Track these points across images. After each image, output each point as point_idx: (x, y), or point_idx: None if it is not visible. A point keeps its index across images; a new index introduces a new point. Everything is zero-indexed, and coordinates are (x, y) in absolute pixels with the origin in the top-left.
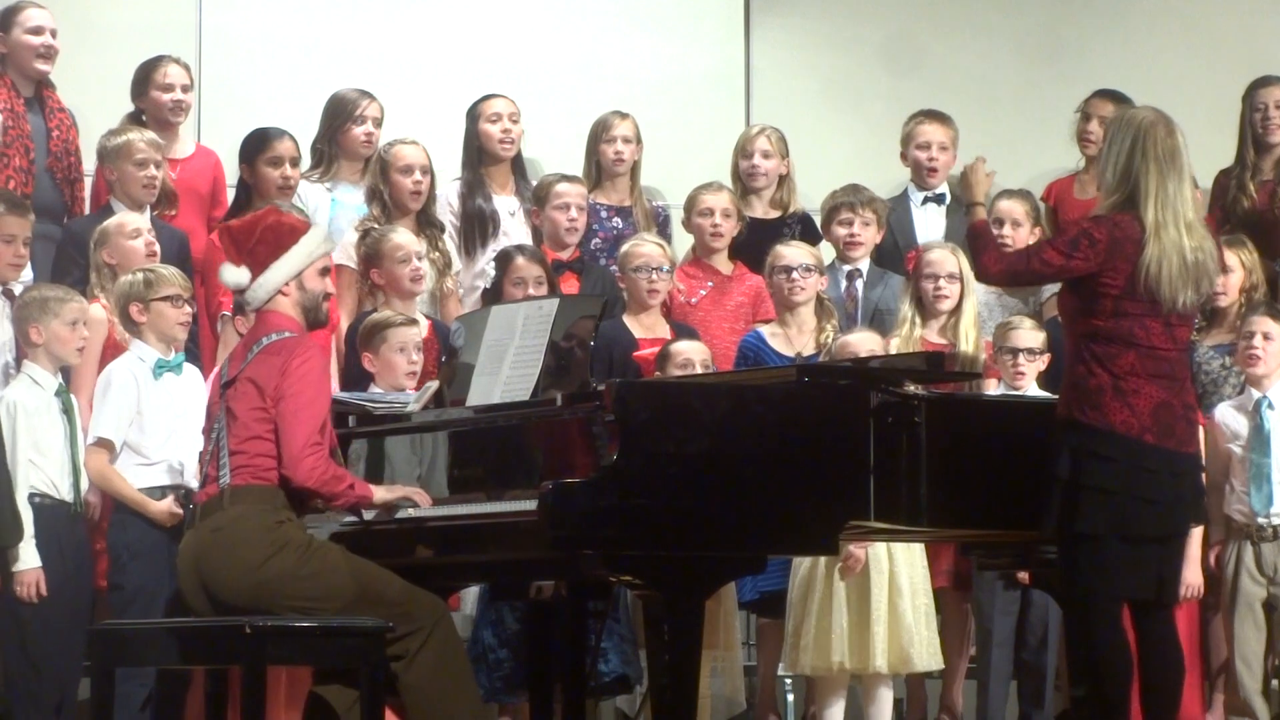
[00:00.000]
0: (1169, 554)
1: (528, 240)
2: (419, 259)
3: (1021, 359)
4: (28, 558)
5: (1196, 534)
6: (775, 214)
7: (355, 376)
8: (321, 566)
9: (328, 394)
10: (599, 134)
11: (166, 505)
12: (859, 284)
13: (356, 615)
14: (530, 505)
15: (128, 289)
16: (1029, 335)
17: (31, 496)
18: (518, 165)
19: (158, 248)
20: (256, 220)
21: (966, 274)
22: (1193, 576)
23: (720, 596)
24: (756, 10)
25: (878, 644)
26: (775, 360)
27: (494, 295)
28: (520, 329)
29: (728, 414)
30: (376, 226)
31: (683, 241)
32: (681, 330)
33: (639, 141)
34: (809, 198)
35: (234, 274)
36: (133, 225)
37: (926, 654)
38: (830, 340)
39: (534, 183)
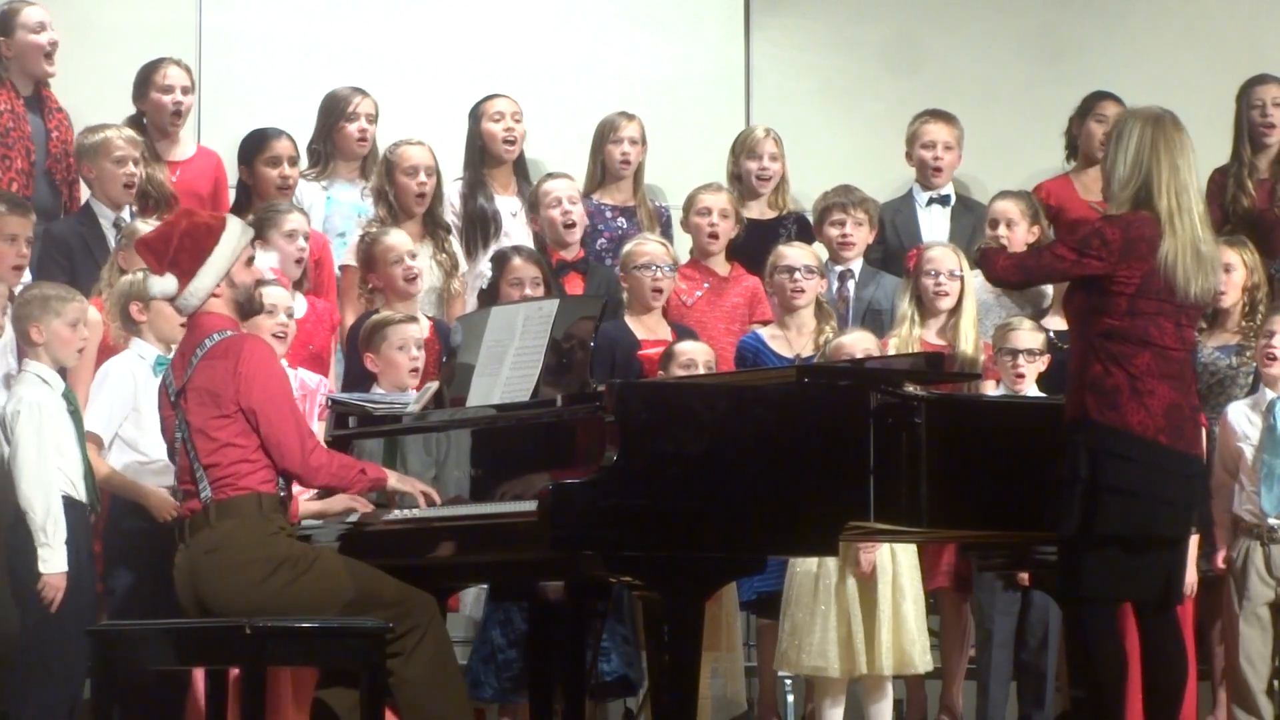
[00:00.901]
0: (1177, 556)
1: (529, 241)
2: (412, 258)
3: (1021, 360)
4: (58, 561)
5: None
6: (771, 214)
7: (357, 377)
8: (320, 577)
9: (288, 384)
10: (605, 134)
11: (163, 493)
12: (851, 284)
13: (355, 616)
14: (530, 505)
15: (128, 288)
16: (1029, 336)
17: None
18: (519, 166)
19: None
20: (171, 228)
21: (967, 273)
22: (1188, 575)
23: (721, 597)
24: (756, 10)
25: (881, 646)
26: (774, 361)
27: (491, 296)
28: (520, 329)
29: (728, 414)
30: (373, 229)
31: (683, 243)
32: (682, 331)
33: (644, 143)
34: (809, 198)
35: (162, 285)
36: (142, 230)
37: (922, 655)
38: (828, 341)
39: (534, 182)
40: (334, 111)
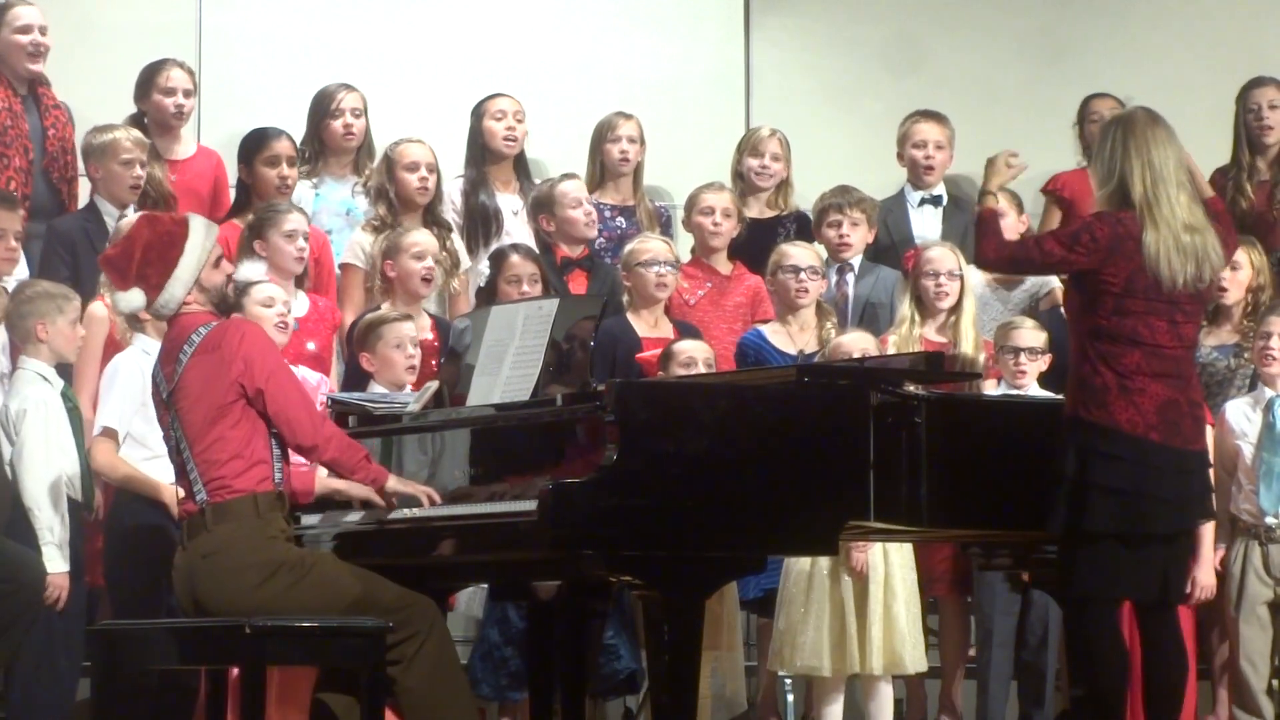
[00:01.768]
0: (1175, 553)
1: (530, 239)
2: (434, 261)
3: (1023, 358)
4: (61, 561)
5: (1208, 533)
6: (772, 214)
7: (357, 376)
8: (318, 581)
9: (283, 359)
10: (604, 134)
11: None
12: (849, 278)
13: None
14: (530, 505)
15: None
16: (1031, 335)
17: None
18: (520, 164)
19: None
20: (132, 242)
21: (966, 272)
22: (1205, 577)
23: (722, 596)
24: (756, 10)
25: (873, 645)
26: (776, 358)
27: (488, 293)
28: (520, 329)
29: (727, 414)
30: (389, 224)
31: (684, 242)
32: (685, 329)
33: (642, 142)
34: (808, 198)
35: (128, 300)
36: None
37: (916, 656)
38: (829, 337)
39: (536, 182)
40: (320, 108)
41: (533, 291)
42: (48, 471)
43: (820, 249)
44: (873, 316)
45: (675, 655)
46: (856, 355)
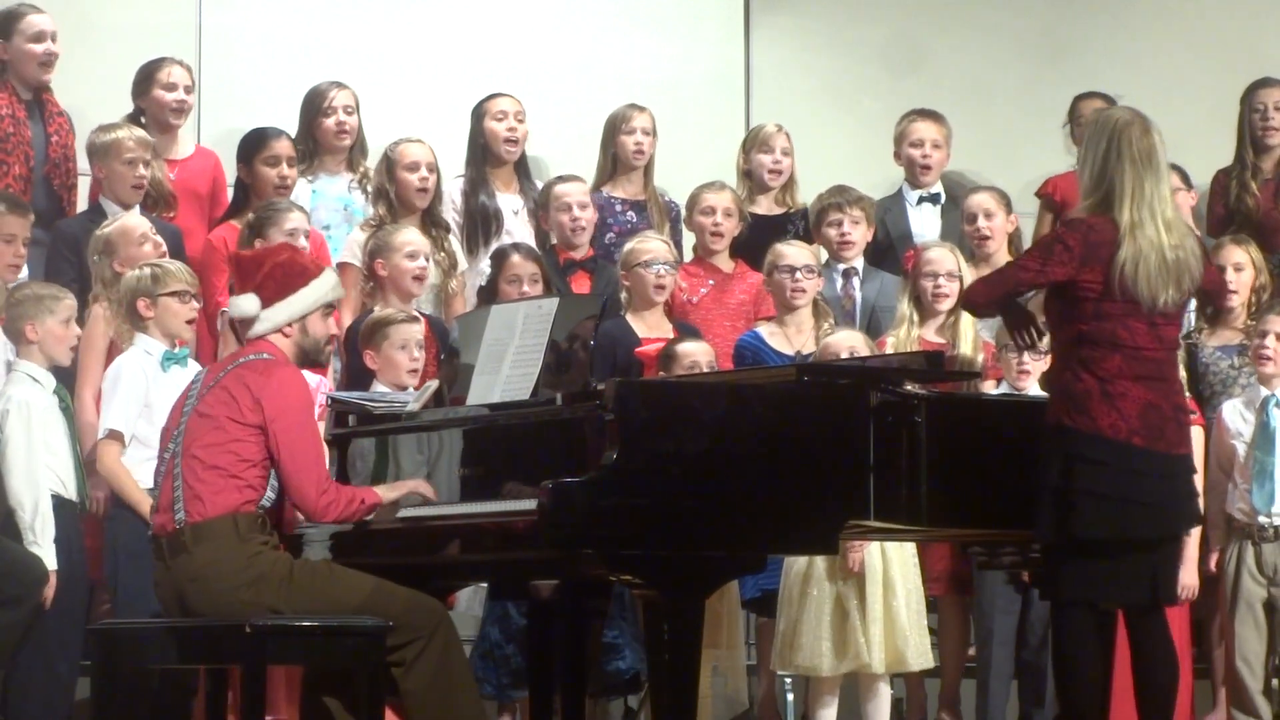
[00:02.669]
0: (1163, 557)
1: (531, 240)
2: (425, 259)
3: (1026, 358)
4: (48, 560)
5: (1194, 535)
6: (779, 211)
7: (357, 375)
8: (317, 591)
9: (316, 421)
10: (617, 126)
11: None
12: (855, 281)
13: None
14: (530, 505)
15: (135, 284)
16: None
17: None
18: (521, 164)
19: (165, 247)
20: (266, 255)
21: (965, 272)
22: (1188, 578)
23: (723, 596)
24: (756, 10)
25: (873, 643)
26: (774, 359)
27: (489, 293)
28: (520, 328)
29: (727, 413)
30: (385, 225)
31: (690, 240)
32: (685, 329)
33: (655, 134)
34: (808, 198)
35: (245, 303)
36: (139, 231)
37: (919, 653)
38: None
39: (537, 182)
40: (312, 107)
41: (533, 292)
42: (29, 471)
43: (818, 248)
44: (876, 321)
45: (675, 654)
46: (845, 354)
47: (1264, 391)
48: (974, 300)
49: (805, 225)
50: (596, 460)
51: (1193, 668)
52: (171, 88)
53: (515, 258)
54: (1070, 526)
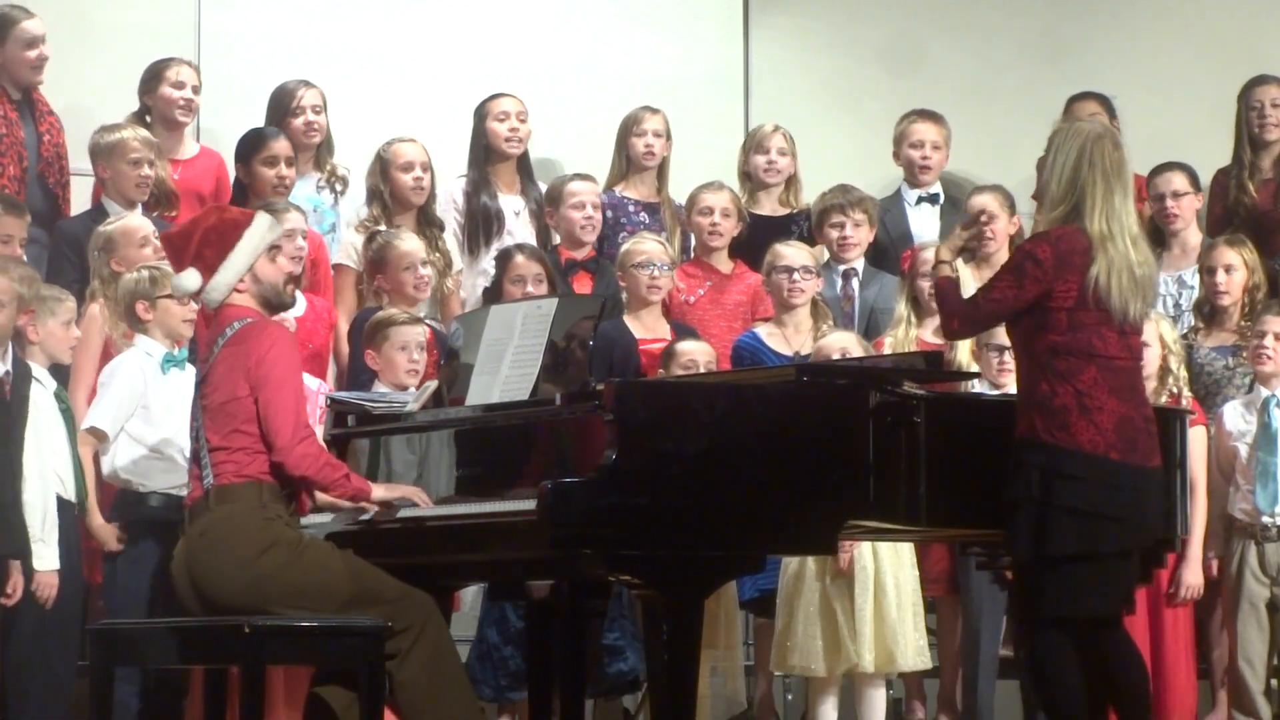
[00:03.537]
0: (1130, 568)
1: (532, 240)
2: (424, 266)
3: (1007, 357)
4: (51, 559)
5: (1197, 534)
6: (783, 212)
7: (358, 374)
8: (315, 564)
9: (299, 372)
10: (629, 127)
11: (111, 530)
12: (855, 283)
13: (351, 614)
14: (530, 505)
15: (134, 286)
16: None
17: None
18: (524, 165)
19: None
20: (195, 224)
21: (963, 273)
22: (1193, 577)
23: (721, 596)
24: (756, 10)
25: (864, 644)
26: (773, 359)
27: (494, 294)
28: (519, 328)
29: (727, 413)
30: (381, 230)
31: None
32: (682, 330)
33: (668, 137)
34: (808, 197)
35: (185, 280)
36: (141, 232)
37: (913, 653)
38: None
39: (540, 183)
40: (280, 107)
41: (537, 292)
42: (37, 471)
43: (818, 249)
44: (876, 322)
45: (674, 654)
46: (836, 355)
47: (1264, 392)
48: (953, 328)
49: (809, 226)
50: (596, 460)
51: (1195, 668)
52: (180, 86)
53: (519, 258)
54: (1047, 543)
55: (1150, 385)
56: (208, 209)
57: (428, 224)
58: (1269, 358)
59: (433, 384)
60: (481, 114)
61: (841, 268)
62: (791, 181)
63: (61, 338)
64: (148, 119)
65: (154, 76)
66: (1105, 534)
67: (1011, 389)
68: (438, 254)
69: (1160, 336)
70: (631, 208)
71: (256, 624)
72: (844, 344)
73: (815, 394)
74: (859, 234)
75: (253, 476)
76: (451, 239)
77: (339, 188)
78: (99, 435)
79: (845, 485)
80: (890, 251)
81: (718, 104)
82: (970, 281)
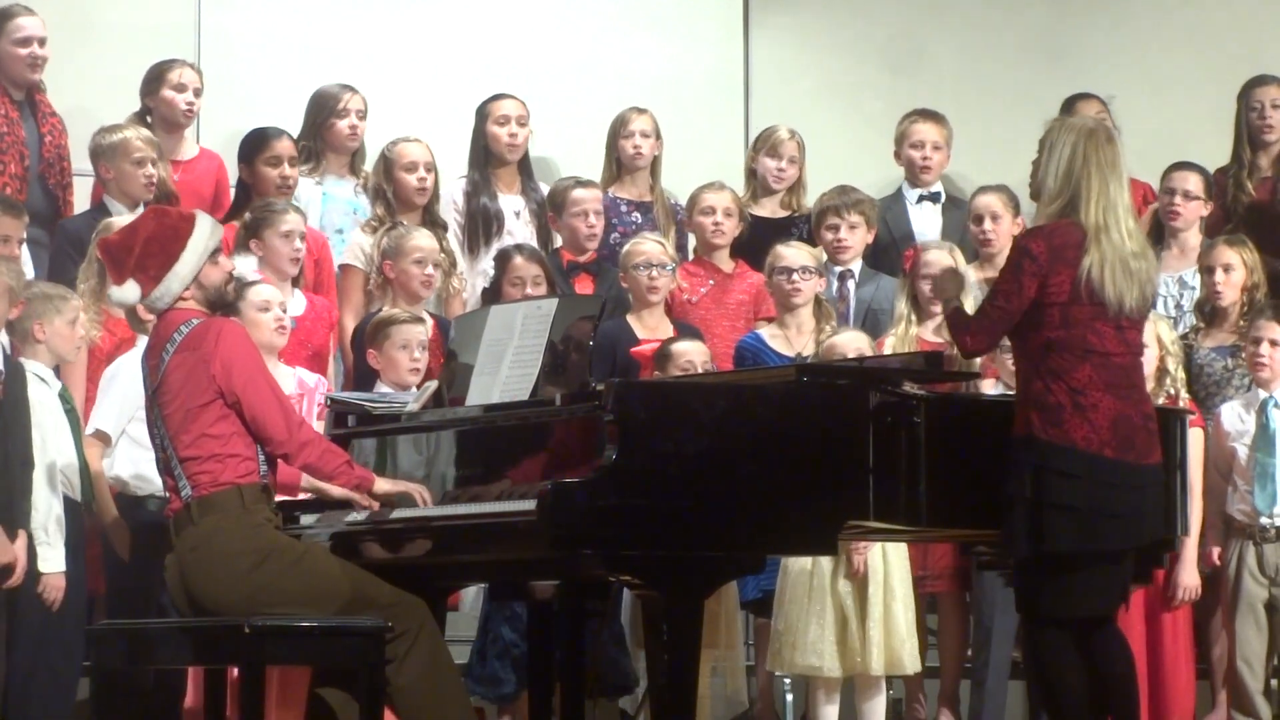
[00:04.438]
0: (1128, 569)
1: (533, 240)
2: (434, 266)
3: (1014, 355)
4: (57, 561)
5: (1193, 535)
6: (784, 214)
7: (361, 374)
8: (311, 571)
9: (263, 362)
10: (618, 129)
11: (125, 539)
12: (850, 284)
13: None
14: (530, 505)
15: None
16: None
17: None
18: (524, 165)
19: None
20: (134, 232)
21: (964, 271)
22: (1189, 578)
23: (721, 596)
24: (756, 10)
25: (872, 645)
26: (775, 360)
27: (493, 294)
28: (519, 329)
29: (727, 413)
30: (387, 224)
31: (692, 239)
32: (685, 330)
33: (658, 137)
34: (809, 197)
35: (122, 293)
36: None
37: (912, 656)
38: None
39: (539, 183)
40: (324, 108)
41: (536, 293)
42: (48, 474)
43: (820, 249)
44: (874, 323)
45: (675, 654)
46: (851, 355)
47: (1262, 394)
48: (967, 346)
49: (809, 229)
50: (596, 460)
51: (1194, 668)
52: (181, 89)
53: (518, 259)
54: (1042, 541)
55: (1148, 386)
56: (145, 213)
57: (431, 224)
58: (1265, 364)
59: (433, 384)
60: (483, 115)
61: (837, 269)
62: (796, 185)
63: (67, 337)
64: (148, 120)
65: (156, 78)
66: (1103, 531)
67: None
68: (442, 254)
69: (1158, 337)
70: (624, 208)
71: (256, 624)
72: (859, 345)
73: (815, 394)
74: (854, 236)
75: (230, 482)
76: (452, 239)
77: (369, 189)
78: (104, 439)
79: (845, 485)
80: (892, 251)
81: (718, 104)
82: (974, 279)
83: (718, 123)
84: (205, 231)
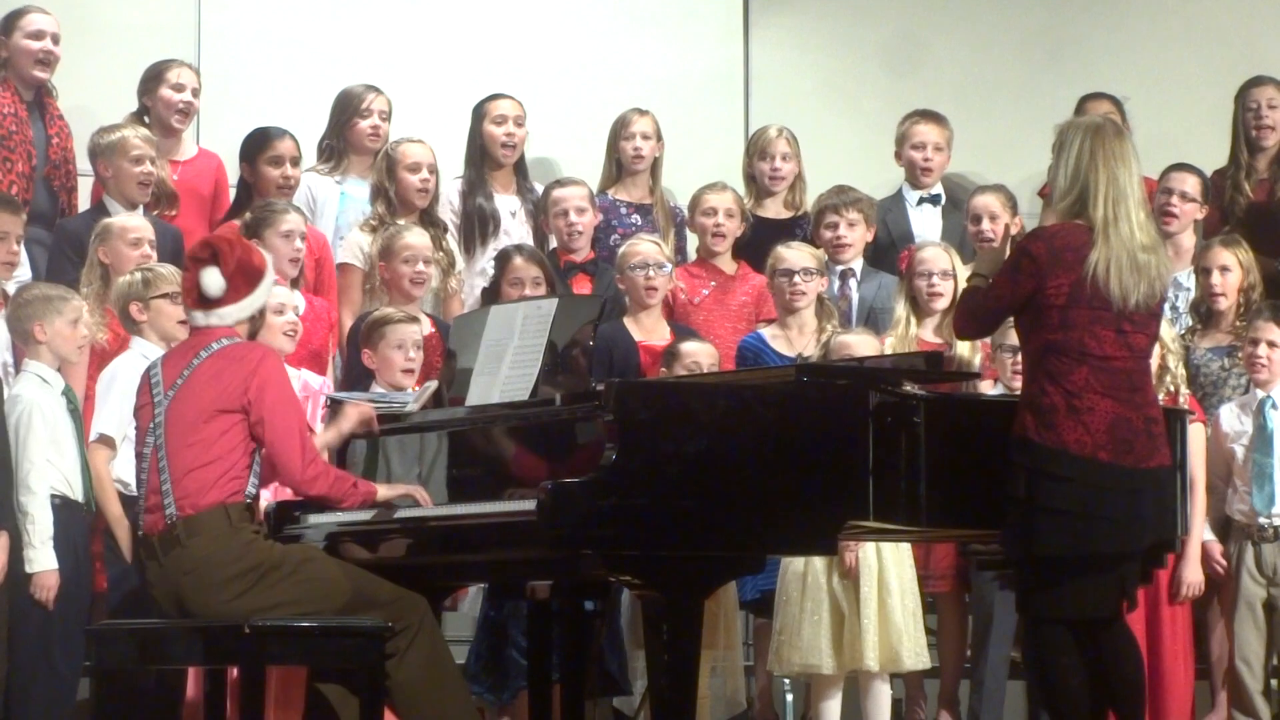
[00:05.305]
0: (1129, 569)
1: (529, 240)
2: (425, 263)
3: (1020, 357)
4: (46, 560)
5: (1196, 533)
6: (787, 214)
7: (357, 374)
8: (310, 578)
9: (297, 397)
10: (618, 131)
11: (130, 542)
12: (852, 283)
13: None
14: (530, 505)
15: (127, 288)
16: None
17: (52, 498)
18: (520, 166)
19: (155, 256)
20: (230, 248)
21: (960, 271)
22: (1192, 575)
23: (721, 596)
24: (756, 10)
25: (868, 643)
26: (776, 361)
27: (492, 295)
28: (519, 329)
29: (727, 414)
30: (387, 223)
31: (695, 242)
32: (681, 332)
33: (659, 139)
34: (809, 198)
35: (214, 279)
36: (135, 234)
37: (914, 653)
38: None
39: (534, 182)
40: (348, 108)
41: (535, 294)
42: (38, 475)
43: (819, 250)
44: (874, 321)
45: (674, 654)
46: (860, 355)
47: (1259, 395)
48: (959, 327)
49: (811, 229)
50: (596, 460)
51: (1193, 668)
52: (179, 88)
53: (518, 260)
54: (1033, 543)
55: None
56: (229, 236)
57: (430, 225)
58: (1263, 365)
59: (433, 384)
60: (479, 115)
61: (839, 268)
62: (796, 183)
63: (68, 337)
64: (146, 119)
65: (154, 78)
66: (1097, 535)
67: None
68: (441, 253)
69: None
70: (624, 210)
71: (256, 624)
72: (869, 346)
73: (815, 395)
74: (853, 234)
75: (217, 501)
76: (450, 239)
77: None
78: (109, 443)
79: (845, 486)
80: (892, 253)
81: (718, 104)
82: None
83: (717, 124)
84: (271, 279)
